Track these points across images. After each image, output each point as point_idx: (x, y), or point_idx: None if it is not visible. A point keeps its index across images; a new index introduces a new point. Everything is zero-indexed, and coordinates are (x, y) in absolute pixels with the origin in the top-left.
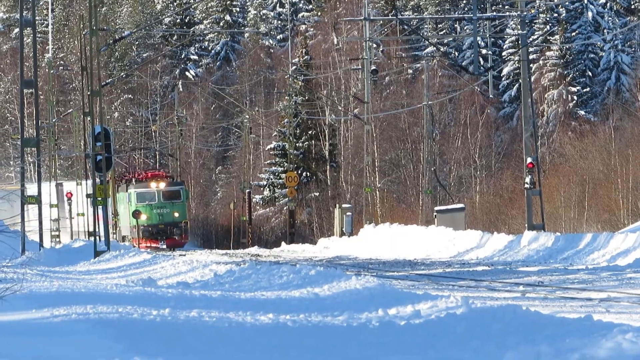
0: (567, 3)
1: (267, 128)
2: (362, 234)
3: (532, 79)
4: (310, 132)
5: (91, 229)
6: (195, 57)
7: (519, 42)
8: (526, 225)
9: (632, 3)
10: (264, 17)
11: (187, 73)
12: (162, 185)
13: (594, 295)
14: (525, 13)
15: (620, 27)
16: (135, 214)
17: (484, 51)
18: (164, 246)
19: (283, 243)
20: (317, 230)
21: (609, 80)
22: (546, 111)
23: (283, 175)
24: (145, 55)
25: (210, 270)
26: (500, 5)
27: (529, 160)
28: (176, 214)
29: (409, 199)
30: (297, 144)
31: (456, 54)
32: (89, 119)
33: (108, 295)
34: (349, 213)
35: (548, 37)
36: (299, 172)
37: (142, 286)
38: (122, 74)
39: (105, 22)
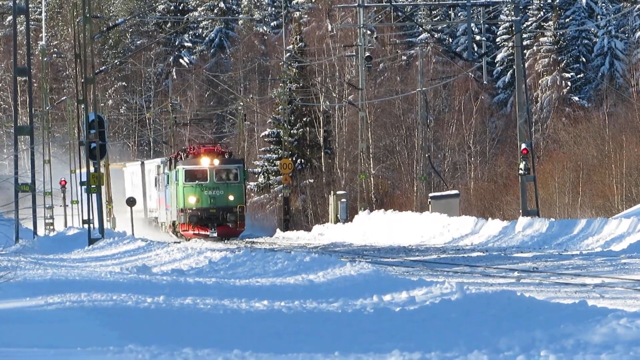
0: None
1: (261, 115)
2: (357, 220)
3: (526, 65)
4: (304, 119)
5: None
6: (189, 44)
7: (513, 28)
8: (520, 211)
9: None
10: (258, 3)
11: (181, 60)
12: (216, 162)
13: (589, 280)
14: None
15: (613, 13)
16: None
17: (478, 37)
18: (215, 234)
19: (278, 230)
20: (311, 217)
21: (603, 66)
22: (540, 97)
23: (278, 162)
24: (139, 42)
25: (205, 257)
26: None
27: (523, 146)
28: (231, 197)
29: (404, 186)
30: (291, 131)
31: (450, 40)
32: (82, 106)
33: (102, 282)
34: (343, 200)
35: (542, 23)
36: (294, 159)
37: (136, 273)
38: (116, 61)
39: (98, 9)
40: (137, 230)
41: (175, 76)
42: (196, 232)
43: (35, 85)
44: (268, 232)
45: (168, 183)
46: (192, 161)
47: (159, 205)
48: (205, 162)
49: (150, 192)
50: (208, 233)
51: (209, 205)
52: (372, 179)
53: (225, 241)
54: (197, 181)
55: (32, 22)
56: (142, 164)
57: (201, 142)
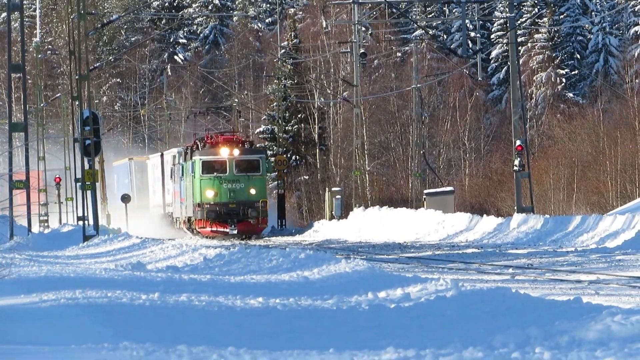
0: None
1: (256, 112)
2: (352, 217)
3: (521, 61)
4: (299, 116)
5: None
6: (184, 40)
7: (508, 24)
8: (515, 207)
9: None
10: (253, 0)
11: (175, 57)
12: (236, 152)
13: (583, 277)
14: None
15: (608, 9)
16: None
17: (472, 34)
18: (235, 231)
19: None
20: (306, 213)
21: (597, 62)
22: (535, 94)
23: (272, 159)
24: (133, 39)
25: (200, 254)
26: None
27: (518, 142)
28: (252, 191)
29: (399, 182)
30: (286, 128)
31: (445, 37)
32: (77, 103)
33: (97, 279)
34: (338, 196)
35: (536, 20)
36: (289, 155)
37: (131, 270)
38: (111, 58)
39: (93, 6)
40: (153, 228)
41: (169, 73)
42: (214, 229)
43: (29, 82)
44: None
45: (183, 175)
46: (210, 151)
47: (173, 198)
48: (224, 152)
49: (167, 185)
50: (227, 230)
51: (228, 200)
52: (367, 175)
53: (248, 238)
54: (215, 173)
55: (26, 19)
56: (162, 155)
57: (219, 131)
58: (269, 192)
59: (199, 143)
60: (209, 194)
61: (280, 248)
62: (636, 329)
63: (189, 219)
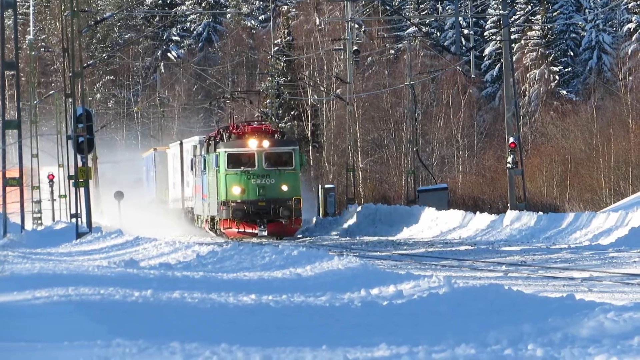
0: None
1: (249, 109)
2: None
3: (514, 58)
4: (292, 113)
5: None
6: (177, 38)
7: (501, 22)
8: (508, 204)
9: None
10: None
11: (169, 54)
12: (266, 143)
13: (577, 274)
14: None
15: (601, 6)
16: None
17: (465, 31)
18: (264, 233)
19: None
20: None
21: (591, 59)
22: (528, 91)
23: None
24: (127, 36)
25: (193, 251)
26: None
27: (511, 140)
28: (284, 187)
29: (392, 179)
30: (279, 125)
31: (438, 34)
32: (70, 100)
33: (90, 276)
34: (331, 193)
35: (530, 17)
36: None
37: (124, 267)
38: (104, 55)
39: (86, 3)
40: (170, 226)
41: (163, 70)
42: (241, 230)
43: (23, 79)
44: None
45: (205, 168)
46: (236, 143)
47: (194, 193)
48: (253, 144)
49: (187, 178)
50: (256, 231)
51: (257, 197)
52: (360, 172)
53: (279, 239)
54: (242, 167)
55: (19, 16)
56: (181, 143)
57: (246, 120)
58: None
59: (223, 133)
60: (236, 190)
61: (273, 245)
62: (629, 326)
63: (212, 218)
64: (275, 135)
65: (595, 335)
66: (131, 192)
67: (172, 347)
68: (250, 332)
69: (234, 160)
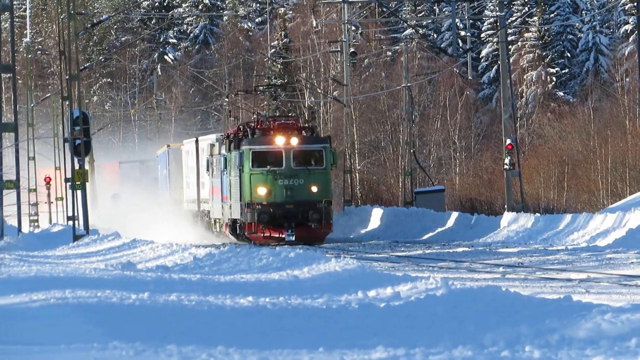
0: None
1: (246, 111)
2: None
3: (511, 60)
4: (289, 115)
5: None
6: (174, 40)
7: (498, 23)
8: (506, 206)
9: None
10: (243, 0)
11: (165, 56)
12: (294, 141)
13: (574, 275)
14: None
15: (598, 8)
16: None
17: (462, 33)
18: (292, 238)
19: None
20: None
21: (588, 61)
22: (525, 92)
23: None
24: (123, 39)
25: (190, 253)
26: None
27: (508, 141)
28: (314, 189)
29: (389, 181)
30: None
31: (435, 35)
32: (67, 103)
33: (87, 279)
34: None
35: (526, 19)
36: None
37: (121, 270)
38: (101, 57)
39: (83, 6)
40: (183, 231)
41: (160, 72)
42: (267, 234)
43: (19, 82)
44: None
45: (226, 168)
46: (262, 139)
47: (211, 195)
48: (280, 141)
49: (202, 178)
50: (283, 236)
51: (285, 200)
52: (357, 174)
53: (309, 245)
54: (268, 167)
55: (16, 19)
56: (197, 141)
57: (271, 116)
58: None
59: (246, 129)
60: (261, 191)
61: (270, 247)
62: (626, 328)
63: (234, 222)
64: (304, 132)
65: (592, 336)
66: (150, 192)
67: (169, 349)
68: (247, 334)
69: (260, 159)
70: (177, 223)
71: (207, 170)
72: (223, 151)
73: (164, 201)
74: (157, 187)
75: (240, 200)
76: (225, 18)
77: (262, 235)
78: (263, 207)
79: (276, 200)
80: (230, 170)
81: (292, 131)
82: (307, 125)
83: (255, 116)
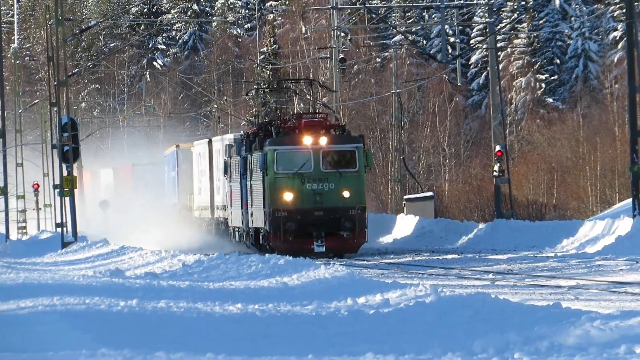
0: None
1: (235, 117)
2: None
3: (500, 66)
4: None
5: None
6: (163, 46)
7: (487, 30)
8: (495, 213)
9: None
10: (232, 6)
11: (154, 63)
12: (324, 141)
13: (563, 282)
14: (493, 1)
15: (587, 14)
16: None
17: (452, 39)
18: (322, 249)
19: None
20: None
21: (577, 67)
22: (514, 99)
23: None
24: (112, 45)
25: (179, 260)
26: None
27: (498, 148)
28: (346, 194)
29: (378, 188)
30: None
31: (424, 42)
32: (55, 109)
33: (75, 286)
34: None
35: (516, 25)
36: None
37: (109, 277)
38: (89, 64)
39: (71, 12)
40: (198, 240)
41: (148, 78)
42: (294, 245)
43: (7, 88)
44: None
45: (246, 171)
46: (288, 139)
47: (229, 201)
48: (308, 141)
49: (217, 183)
50: (312, 247)
51: (313, 206)
52: None
53: (339, 257)
54: (295, 169)
55: (4, 25)
56: (210, 142)
57: (297, 112)
58: None
59: (270, 128)
60: (287, 197)
61: (259, 254)
62: (615, 334)
63: (257, 231)
64: (335, 130)
65: (581, 343)
66: (156, 194)
67: (158, 356)
68: (236, 341)
69: (285, 161)
70: (187, 232)
71: (225, 173)
72: (243, 152)
73: (171, 206)
74: (164, 191)
75: (264, 207)
76: (214, 24)
77: (288, 245)
78: (289, 215)
79: (304, 206)
80: (251, 173)
81: (320, 130)
82: (337, 123)
83: (278, 113)
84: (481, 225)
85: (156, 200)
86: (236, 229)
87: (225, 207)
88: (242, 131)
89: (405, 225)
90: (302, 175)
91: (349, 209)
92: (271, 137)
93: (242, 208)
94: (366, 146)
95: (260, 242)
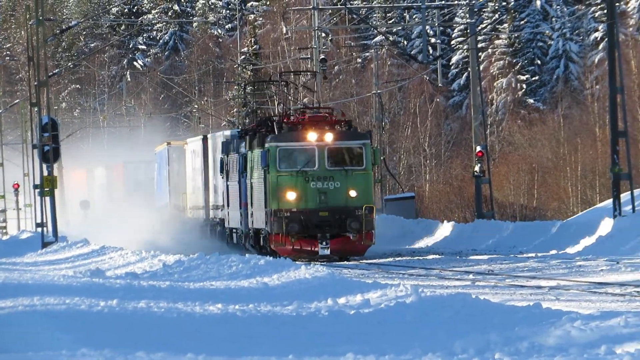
0: None
1: (216, 118)
2: None
3: (481, 67)
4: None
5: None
6: (144, 46)
7: (468, 30)
8: (476, 213)
9: None
10: (213, 6)
11: (135, 63)
12: (329, 137)
13: (544, 283)
14: (474, 1)
15: (568, 15)
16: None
17: (433, 40)
18: (327, 251)
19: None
20: None
21: (558, 68)
22: (495, 100)
23: None
24: (92, 45)
25: (159, 260)
26: None
27: (478, 148)
28: (352, 193)
29: None
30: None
31: (405, 42)
32: (36, 109)
33: (55, 286)
34: None
35: (497, 26)
36: None
37: (90, 277)
38: (70, 64)
39: (52, 12)
40: (191, 241)
41: (129, 79)
42: (297, 247)
43: None
44: None
45: (245, 170)
46: (291, 135)
47: (226, 201)
48: (312, 137)
49: (213, 181)
50: (317, 249)
51: (318, 206)
52: None
53: (345, 260)
54: (298, 167)
55: None
56: (204, 138)
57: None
58: None
59: (271, 123)
60: (290, 196)
61: (240, 254)
62: (596, 335)
63: (257, 232)
64: (340, 126)
65: (562, 344)
66: (144, 193)
67: (138, 356)
68: (216, 341)
69: (288, 158)
70: (181, 234)
71: (221, 171)
72: (242, 149)
73: (163, 206)
74: (154, 190)
75: (265, 207)
76: (195, 25)
77: (291, 248)
78: (292, 215)
79: (308, 206)
80: (251, 171)
81: (325, 125)
82: (343, 118)
83: (281, 107)
84: (461, 226)
85: (146, 200)
86: (234, 231)
87: (221, 207)
88: (239, 127)
89: (385, 225)
90: (306, 174)
91: (355, 209)
92: (273, 133)
93: (240, 208)
94: (373, 143)
95: (261, 244)
